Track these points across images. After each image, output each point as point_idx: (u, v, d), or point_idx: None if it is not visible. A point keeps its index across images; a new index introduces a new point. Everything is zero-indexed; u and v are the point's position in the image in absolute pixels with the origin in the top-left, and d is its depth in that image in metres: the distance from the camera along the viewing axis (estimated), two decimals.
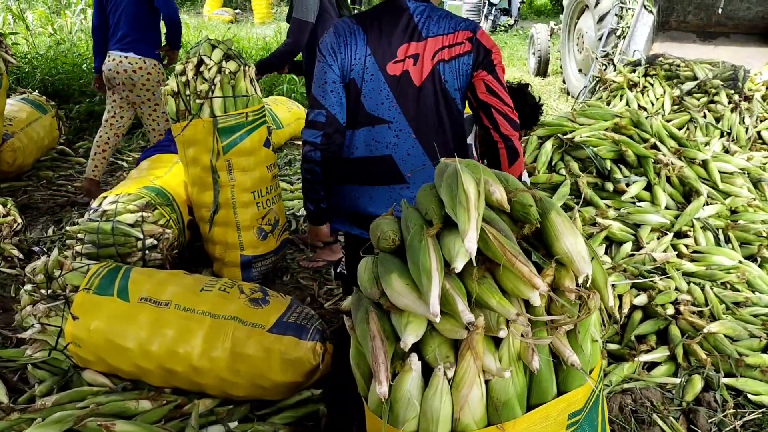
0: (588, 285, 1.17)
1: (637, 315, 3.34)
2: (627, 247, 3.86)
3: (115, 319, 2.64)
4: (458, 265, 1.12)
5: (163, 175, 3.96)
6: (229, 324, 2.63)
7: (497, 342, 1.18)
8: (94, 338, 2.64)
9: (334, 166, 2.12)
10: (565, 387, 1.21)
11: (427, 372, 1.19)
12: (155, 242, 3.55)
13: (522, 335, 1.13)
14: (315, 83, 2.10)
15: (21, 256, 3.70)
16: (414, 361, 1.17)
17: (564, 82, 9.93)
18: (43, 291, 2.72)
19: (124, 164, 5.77)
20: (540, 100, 3.37)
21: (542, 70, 11.35)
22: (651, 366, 3.14)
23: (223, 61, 3.51)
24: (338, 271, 2.45)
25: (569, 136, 4.46)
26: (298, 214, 4.86)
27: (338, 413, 2.45)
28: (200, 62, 3.50)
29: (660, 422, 2.72)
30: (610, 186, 4.21)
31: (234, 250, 3.73)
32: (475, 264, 1.12)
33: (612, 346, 3.23)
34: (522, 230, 1.20)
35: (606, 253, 3.91)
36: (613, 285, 3.38)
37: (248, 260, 3.75)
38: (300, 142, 6.75)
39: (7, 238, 3.68)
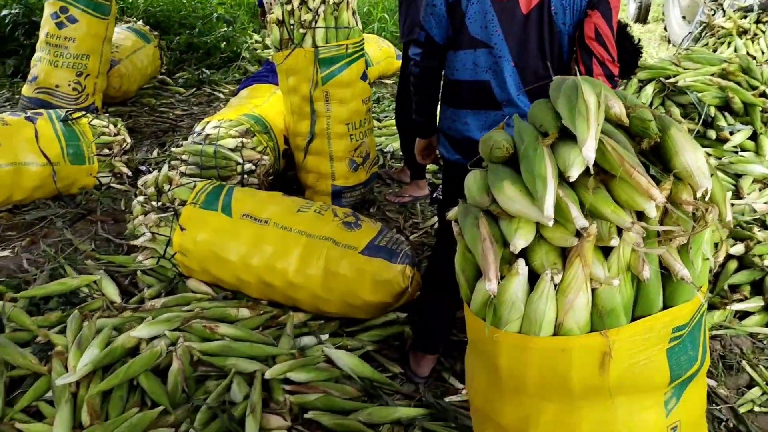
0: (706, 200, 1.18)
1: (732, 264, 3.24)
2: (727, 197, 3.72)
3: (219, 232, 2.80)
4: (573, 174, 1.14)
5: (261, 104, 4.09)
6: (323, 244, 2.74)
7: (606, 253, 1.21)
8: (200, 249, 2.82)
9: (435, 84, 2.16)
10: (672, 301, 1.23)
11: (532, 280, 1.24)
12: (253, 167, 3.71)
13: (634, 246, 1.16)
14: (422, 4, 2.12)
15: (130, 173, 3.94)
16: (521, 265, 1.21)
17: (665, 29, 9.44)
18: (153, 203, 2.91)
19: (221, 95, 5.96)
20: (640, 42, 3.23)
21: (642, 17, 10.80)
22: (743, 316, 3.07)
23: None
24: (434, 196, 2.50)
25: (672, 80, 4.28)
26: (386, 150, 4.93)
27: (423, 331, 2.54)
28: None
29: (749, 369, 2.69)
30: (712, 134, 4.04)
31: (326, 180, 3.84)
32: (592, 173, 1.15)
33: None
34: (640, 145, 1.21)
35: None
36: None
37: (339, 190, 3.85)
38: (388, 81, 6.79)
39: (118, 155, 3.93)
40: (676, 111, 4.16)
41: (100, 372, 2.33)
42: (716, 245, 3.27)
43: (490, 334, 1.29)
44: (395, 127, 4.37)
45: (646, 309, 1.22)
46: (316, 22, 3.48)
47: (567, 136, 1.21)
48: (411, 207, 4.17)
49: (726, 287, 3.15)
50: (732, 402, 2.55)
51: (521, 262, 1.22)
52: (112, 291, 2.81)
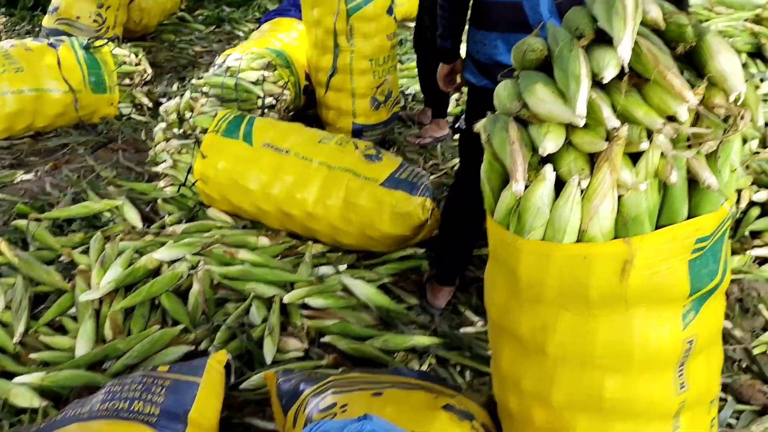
0: (739, 104, 1.15)
1: (755, 211, 3.20)
2: (753, 145, 3.66)
3: (240, 160, 2.81)
4: (608, 75, 1.12)
5: (284, 39, 4.05)
6: (344, 175, 2.74)
7: (634, 161, 1.19)
8: (220, 177, 2.83)
9: (464, 4, 2.11)
10: (697, 211, 1.21)
11: (560, 188, 1.23)
12: (274, 101, 3.68)
13: (664, 150, 1.14)
14: None
15: (150, 104, 3.94)
16: (549, 171, 1.20)
17: None
18: (175, 130, 2.92)
19: (241, 33, 5.91)
20: None
21: None
22: (762, 262, 3.05)
23: None
24: (457, 126, 2.47)
25: (704, 25, 4.16)
26: (407, 92, 4.87)
27: (441, 263, 2.55)
28: None
29: (765, 312, 2.67)
30: None
31: (347, 117, 3.81)
32: (626, 74, 1.12)
33: None
34: (675, 51, 1.18)
35: None
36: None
37: (359, 128, 3.83)
38: (411, 24, 6.67)
39: (138, 86, 3.93)
40: None
41: (122, 291, 2.38)
42: (739, 192, 3.24)
43: (513, 242, 1.28)
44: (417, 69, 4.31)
45: (671, 217, 1.21)
46: None
47: (602, 41, 1.19)
48: (431, 148, 4.14)
49: (747, 233, 3.13)
50: (746, 343, 2.55)
51: (549, 167, 1.21)
52: (133, 216, 2.84)
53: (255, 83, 3.63)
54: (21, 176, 3.06)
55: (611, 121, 1.12)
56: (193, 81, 3.74)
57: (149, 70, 4.07)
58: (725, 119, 1.16)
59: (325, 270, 2.65)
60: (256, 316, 2.35)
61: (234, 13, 6.39)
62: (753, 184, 3.32)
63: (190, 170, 2.87)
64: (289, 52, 3.93)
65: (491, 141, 1.28)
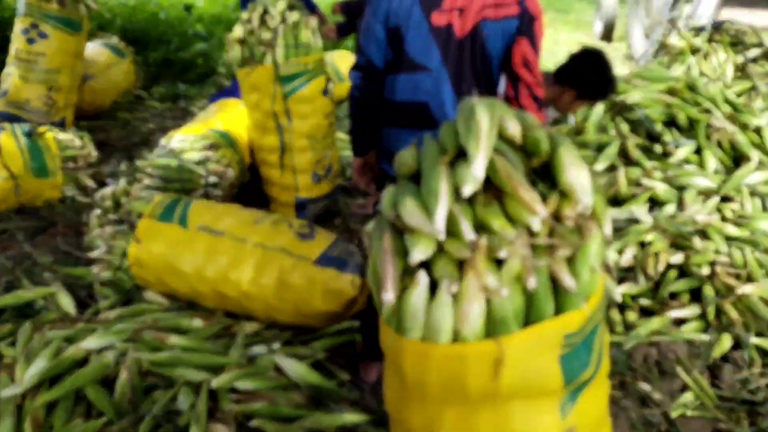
0: (588, 215, 1.28)
1: (673, 273, 3.37)
2: (670, 209, 3.86)
3: (175, 244, 2.87)
4: (466, 191, 1.24)
5: (227, 119, 4.18)
6: (278, 254, 2.83)
7: (500, 265, 1.31)
8: (155, 261, 2.89)
9: (374, 107, 2.26)
10: (563, 310, 1.33)
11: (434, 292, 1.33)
12: (217, 180, 3.79)
13: (522, 258, 1.26)
14: (362, 28, 2.22)
15: (95, 185, 4.00)
16: (422, 277, 1.31)
17: (629, 47, 9.66)
18: (111, 216, 2.98)
19: (196, 110, 6.03)
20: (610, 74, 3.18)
21: (607, 35, 11.01)
22: (681, 323, 3.20)
23: (287, 11, 3.65)
24: (375, 210, 2.61)
25: (621, 97, 4.43)
26: (351, 163, 5.02)
27: (371, 339, 2.62)
28: (265, 11, 3.64)
29: (683, 374, 2.80)
30: (658, 148, 4.19)
31: (290, 192, 3.94)
32: (482, 191, 1.25)
33: (644, 302, 3.29)
34: (531, 162, 1.31)
35: (649, 213, 3.93)
36: (649, 243, 3.42)
37: (303, 202, 3.95)
38: None
39: (82, 169, 3.99)
40: (625, 126, 4.31)
41: (47, 384, 2.38)
42: (657, 255, 3.41)
43: (397, 342, 1.38)
44: None
45: (538, 317, 1.31)
46: (275, 41, 3.58)
47: (464, 156, 1.32)
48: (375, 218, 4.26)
49: (666, 295, 3.28)
50: (665, 406, 2.66)
51: (422, 273, 1.32)
52: (67, 303, 2.87)
53: (198, 163, 3.74)
54: None
55: (468, 234, 1.23)
56: (138, 162, 3.82)
57: (94, 153, 4.14)
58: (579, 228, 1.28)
59: (258, 349, 2.70)
60: (184, 402, 2.37)
61: (190, 90, 6.53)
62: (672, 246, 3.51)
63: (124, 255, 2.92)
64: (233, 131, 4.06)
65: (372, 248, 1.38)
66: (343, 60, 6.79)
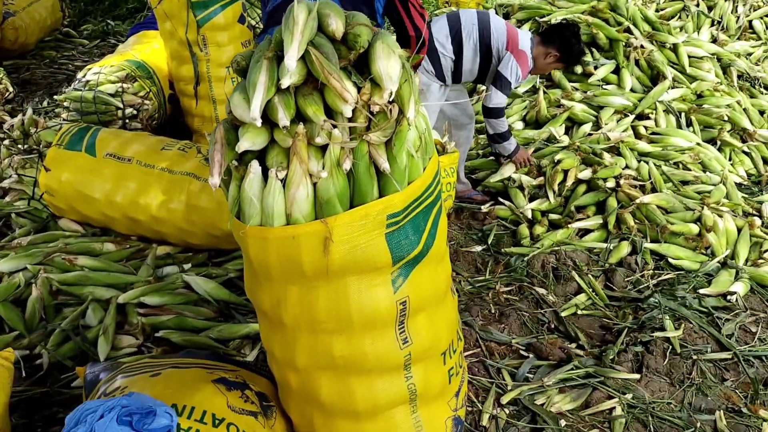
0: (393, 101, 1.37)
1: (581, 188, 3.53)
2: (586, 128, 4.00)
3: (83, 171, 2.91)
4: (284, 82, 1.32)
5: (145, 50, 4.15)
6: (185, 179, 2.88)
7: (325, 152, 1.40)
8: (65, 189, 2.93)
9: None
10: (385, 192, 1.43)
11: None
12: (135, 112, 3.80)
13: (340, 143, 1.35)
14: None
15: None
16: (254, 165, 1.40)
17: None
18: (20, 146, 3.00)
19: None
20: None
21: None
22: (586, 234, 3.36)
23: None
24: None
25: (545, 18, 4.49)
26: None
27: None
28: None
29: (577, 278, 2.97)
30: (579, 69, 4.29)
31: (210, 123, 3.96)
32: (307, 85, 1.33)
33: (553, 216, 3.45)
34: (350, 56, 1.39)
35: (566, 133, 4.06)
36: (560, 160, 3.55)
37: None
38: None
39: (0, 104, 3.96)
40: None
41: None
42: (566, 172, 3.55)
43: (240, 228, 1.48)
44: None
45: (362, 199, 1.42)
46: None
47: None
48: None
49: (573, 209, 3.44)
50: (557, 308, 2.83)
51: (254, 163, 1.41)
52: None
53: (114, 95, 3.74)
54: None
55: (283, 121, 1.32)
56: (55, 96, 3.81)
57: (11, 88, 4.11)
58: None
59: (168, 270, 2.79)
60: (92, 318, 2.47)
61: (119, 26, 6.40)
62: (582, 163, 3.65)
63: (35, 184, 2.96)
64: (151, 63, 4.04)
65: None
66: None
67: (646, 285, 2.97)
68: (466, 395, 1.92)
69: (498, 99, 3.33)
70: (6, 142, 3.06)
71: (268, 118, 1.37)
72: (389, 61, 1.34)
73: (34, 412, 2.16)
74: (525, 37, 3.36)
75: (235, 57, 1.47)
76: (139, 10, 6.74)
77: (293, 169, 1.37)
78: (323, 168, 1.37)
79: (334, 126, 1.32)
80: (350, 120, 1.36)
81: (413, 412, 1.66)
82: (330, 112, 1.39)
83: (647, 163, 3.68)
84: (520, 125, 4.12)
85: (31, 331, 2.42)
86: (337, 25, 1.39)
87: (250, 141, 1.37)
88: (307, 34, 1.33)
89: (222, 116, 3.88)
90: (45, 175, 2.93)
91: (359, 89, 1.37)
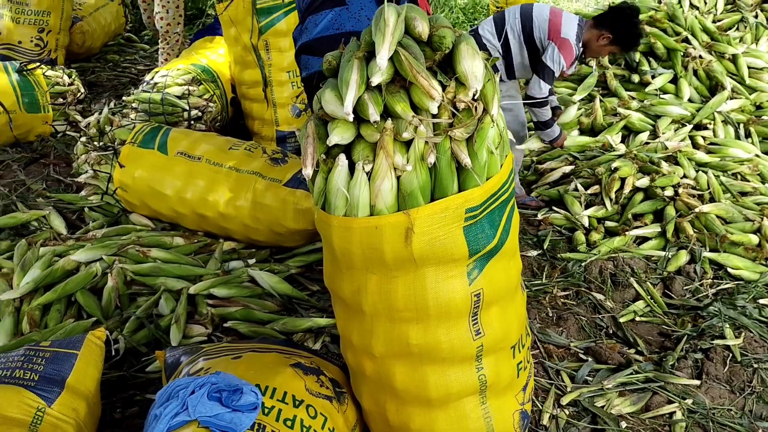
0: (476, 98, 1.43)
1: (639, 196, 3.52)
2: (643, 136, 3.99)
3: (156, 168, 3.05)
4: (374, 80, 1.39)
5: (210, 55, 4.30)
6: (251, 177, 3.00)
7: (409, 147, 1.47)
8: (138, 185, 3.07)
9: None
10: (465, 187, 1.49)
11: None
12: (200, 114, 3.94)
13: (425, 138, 1.42)
14: None
15: (82, 121, 4.17)
16: (341, 158, 1.47)
17: None
18: (96, 143, 3.16)
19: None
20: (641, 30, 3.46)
21: None
22: (643, 242, 3.35)
23: None
24: None
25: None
26: None
27: None
28: None
29: (635, 285, 2.97)
30: (636, 78, 4.29)
31: (270, 126, 4.07)
32: (394, 83, 1.40)
33: (610, 224, 3.45)
34: (435, 56, 1.46)
35: (623, 141, 4.06)
36: (617, 168, 3.56)
37: (283, 135, 4.09)
38: None
39: (72, 104, 4.16)
40: (605, 58, 4.39)
41: (42, 290, 2.60)
42: (623, 180, 3.55)
43: (326, 219, 1.55)
44: None
45: (442, 192, 1.48)
46: None
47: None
48: None
49: (630, 216, 3.44)
50: (615, 313, 2.84)
51: (342, 156, 1.48)
52: (59, 224, 3.07)
53: (180, 97, 3.89)
54: None
55: (373, 116, 1.39)
56: (124, 98, 3.98)
57: (82, 89, 4.30)
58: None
59: (234, 264, 2.90)
60: (165, 307, 2.59)
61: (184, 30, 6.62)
62: (639, 171, 3.65)
63: (110, 179, 3.10)
64: (215, 68, 4.19)
65: (300, 138, 1.55)
66: None
67: (705, 294, 2.95)
68: (532, 390, 1.96)
69: (541, 88, 3.33)
70: (83, 139, 3.22)
71: (354, 115, 1.45)
72: (474, 61, 1.41)
73: (111, 394, 2.27)
74: (570, 23, 3.30)
75: (326, 56, 1.55)
76: (198, 17, 6.96)
77: (379, 162, 1.44)
78: (408, 162, 1.44)
79: (421, 122, 1.38)
80: (435, 116, 1.43)
81: (483, 402, 1.71)
82: (415, 110, 1.45)
83: (705, 173, 3.65)
84: (575, 132, 4.13)
85: (107, 318, 2.54)
86: (423, 28, 1.46)
87: (339, 135, 1.44)
88: (397, 35, 1.40)
89: (282, 119, 4.01)
90: (119, 172, 3.07)
91: (444, 87, 1.43)
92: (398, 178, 1.47)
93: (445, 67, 1.48)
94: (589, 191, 3.60)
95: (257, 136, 4.16)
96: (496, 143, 1.50)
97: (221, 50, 4.38)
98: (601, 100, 4.19)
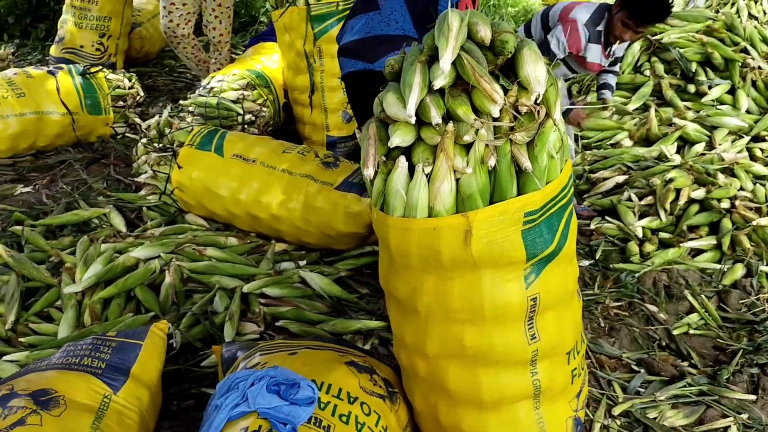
0: (539, 102, 1.44)
1: (694, 208, 3.45)
2: (698, 148, 3.92)
3: (212, 170, 3.13)
4: (437, 83, 1.42)
5: (264, 61, 4.40)
6: (303, 180, 3.05)
7: (469, 150, 1.48)
8: (195, 185, 3.16)
9: None
10: (524, 190, 1.50)
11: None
12: (253, 118, 4.03)
13: (486, 141, 1.43)
14: None
15: (142, 123, 4.31)
16: (401, 160, 1.50)
17: None
18: (155, 144, 3.26)
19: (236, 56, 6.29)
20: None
21: None
22: (698, 255, 3.29)
23: None
24: None
25: (657, 37, 4.44)
26: None
27: None
28: None
29: (690, 297, 2.92)
30: (692, 88, 4.22)
31: (321, 131, 4.13)
32: (455, 87, 1.43)
33: (664, 235, 3.39)
34: (497, 61, 1.47)
35: (678, 152, 3.99)
36: (672, 179, 3.50)
37: (333, 140, 4.14)
38: None
39: (131, 107, 4.31)
40: (661, 67, 4.34)
41: (103, 285, 2.69)
42: (678, 191, 3.50)
43: (383, 220, 1.58)
44: None
45: (502, 195, 1.49)
46: None
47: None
48: None
49: (685, 228, 3.37)
50: (669, 325, 2.79)
51: (402, 158, 1.51)
52: (118, 222, 3.18)
53: (235, 102, 3.98)
54: (20, 189, 3.43)
55: (436, 119, 1.41)
56: (180, 102, 4.10)
57: (142, 93, 4.45)
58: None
59: (285, 265, 2.96)
60: (219, 304, 2.65)
61: (232, 38, 6.77)
62: (695, 183, 3.58)
63: (168, 180, 3.20)
64: (268, 73, 4.28)
65: (361, 141, 1.58)
66: None
67: (761, 308, 2.88)
68: (586, 398, 1.94)
69: None
70: (143, 140, 3.33)
71: (415, 117, 1.47)
72: (537, 65, 1.42)
73: (168, 387, 2.33)
74: (584, 7, 3.20)
75: (388, 61, 1.58)
76: (250, 24, 7.10)
77: (439, 165, 1.46)
78: (467, 164, 1.45)
79: (482, 125, 1.40)
80: (495, 120, 1.44)
81: (536, 408, 1.70)
82: (476, 113, 1.47)
83: (764, 185, 3.56)
84: (628, 142, 4.08)
85: (164, 314, 2.61)
86: (485, 32, 1.48)
87: (400, 137, 1.47)
88: (460, 39, 1.42)
89: (332, 124, 4.07)
90: (177, 172, 3.16)
91: (506, 91, 1.45)
92: (457, 180, 1.49)
93: (507, 71, 1.50)
94: (642, 202, 3.55)
95: (308, 141, 4.22)
96: (557, 147, 1.51)
97: (274, 56, 4.46)
98: (656, 110, 4.12)
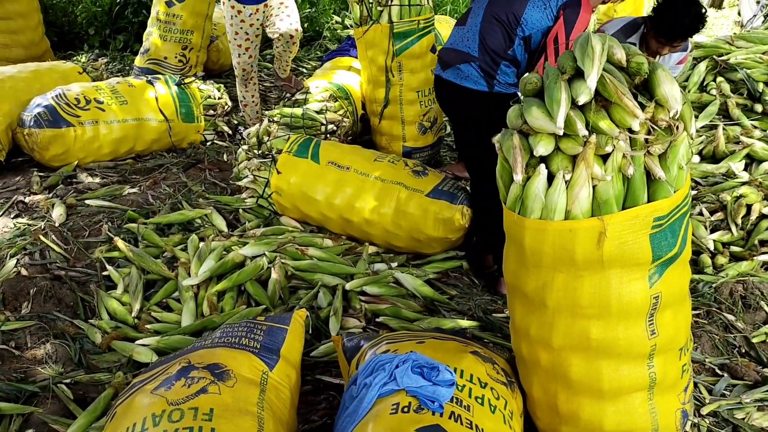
0: (676, 118, 1.60)
1: (765, 223, 3.56)
2: (766, 165, 4.01)
3: (309, 176, 3.35)
4: (581, 99, 1.59)
5: (343, 75, 4.63)
6: (395, 187, 3.25)
7: (605, 160, 1.65)
8: (292, 190, 3.38)
9: None
10: (654, 197, 1.66)
11: (551, 181, 1.70)
12: (335, 128, 4.24)
13: (624, 152, 1.60)
14: None
15: (230, 131, 4.57)
16: (542, 168, 1.68)
17: (739, 14, 9.44)
18: (255, 151, 3.49)
19: (304, 70, 6.54)
20: (705, 12, 3.28)
21: (718, 2, 10.75)
22: None
23: None
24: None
25: (724, 57, 4.56)
26: None
27: (477, 261, 3.03)
28: None
29: (766, 308, 3.03)
30: (759, 107, 4.32)
31: (397, 141, 4.34)
32: (593, 101, 1.60)
33: (735, 248, 3.51)
34: (634, 81, 1.64)
35: (745, 169, 4.10)
36: (743, 195, 3.62)
37: (409, 151, 4.34)
38: None
39: (220, 116, 4.56)
40: (727, 86, 4.45)
41: (215, 279, 2.91)
42: (749, 206, 3.61)
43: (519, 222, 1.76)
44: None
45: (634, 202, 1.66)
46: (391, 0, 3.95)
47: (579, 76, 1.67)
48: None
49: (757, 242, 3.48)
50: (747, 333, 2.91)
51: (542, 166, 1.69)
52: (220, 222, 3.41)
53: (318, 112, 4.20)
54: (128, 190, 3.68)
55: (582, 131, 1.59)
56: (266, 112, 4.33)
57: (229, 103, 4.70)
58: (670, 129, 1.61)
59: (379, 266, 3.15)
60: (322, 300, 2.85)
61: (299, 52, 7.04)
62: (765, 199, 3.69)
63: (267, 184, 3.42)
64: (347, 86, 4.50)
65: (502, 148, 1.76)
66: (442, 24, 7.12)
67: None
68: (692, 392, 2.09)
69: None
70: (245, 147, 3.56)
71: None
72: (673, 85, 1.59)
73: None
74: (620, 20, 3.39)
75: (529, 78, 1.77)
76: (315, 38, 7.37)
77: (579, 172, 1.64)
78: (606, 172, 1.63)
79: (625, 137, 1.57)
80: (632, 133, 1.61)
81: (650, 399, 1.86)
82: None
83: None
84: (696, 159, 4.19)
85: (273, 307, 2.82)
86: (621, 55, 1.66)
87: (544, 147, 1.65)
88: (603, 60, 1.60)
89: (409, 135, 4.27)
90: (276, 177, 3.39)
91: (642, 108, 1.62)
92: (594, 187, 1.66)
93: (640, 89, 1.67)
94: (713, 217, 3.66)
95: (384, 151, 4.42)
96: (686, 159, 1.67)
97: (351, 70, 4.69)
98: (723, 129, 4.24)
